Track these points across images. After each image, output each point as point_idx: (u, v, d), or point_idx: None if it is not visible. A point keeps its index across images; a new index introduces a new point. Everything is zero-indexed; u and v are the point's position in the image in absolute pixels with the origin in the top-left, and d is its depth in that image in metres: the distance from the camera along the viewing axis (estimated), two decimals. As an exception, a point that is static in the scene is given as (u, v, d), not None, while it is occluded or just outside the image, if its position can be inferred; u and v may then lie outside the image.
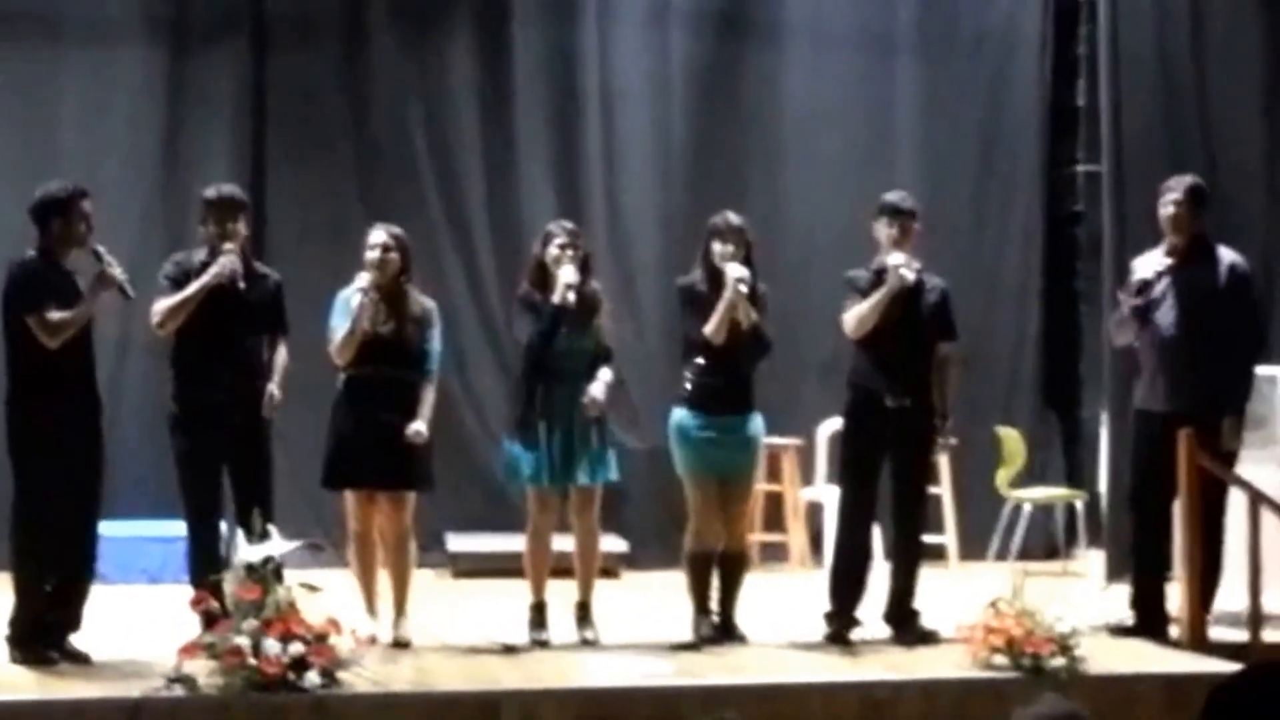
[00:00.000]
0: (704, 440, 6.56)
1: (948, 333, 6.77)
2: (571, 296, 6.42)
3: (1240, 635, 6.60)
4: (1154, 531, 6.78)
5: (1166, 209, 6.75)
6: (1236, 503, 6.67)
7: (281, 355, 6.44)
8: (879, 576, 6.86)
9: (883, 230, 6.67)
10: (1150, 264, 6.82)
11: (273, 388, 6.32)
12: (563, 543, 6.66)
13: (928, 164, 9.62)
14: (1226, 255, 6.83)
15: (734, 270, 6.44)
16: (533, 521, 6.60)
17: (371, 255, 6.50)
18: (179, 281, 6.27)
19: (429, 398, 6.56)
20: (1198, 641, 6.50)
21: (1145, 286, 6.76)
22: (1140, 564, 6.84)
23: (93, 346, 6.14)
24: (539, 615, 6.59)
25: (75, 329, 5.94)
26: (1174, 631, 6.65)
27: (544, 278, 6.53)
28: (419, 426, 6.44)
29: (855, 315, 6.57)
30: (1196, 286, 6.72)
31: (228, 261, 6.20)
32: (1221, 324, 6.68)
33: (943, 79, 9.72)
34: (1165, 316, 6.73)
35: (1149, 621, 6.72)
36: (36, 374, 5.94)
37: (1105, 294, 8.38)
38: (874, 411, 6.60)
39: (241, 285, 6.23)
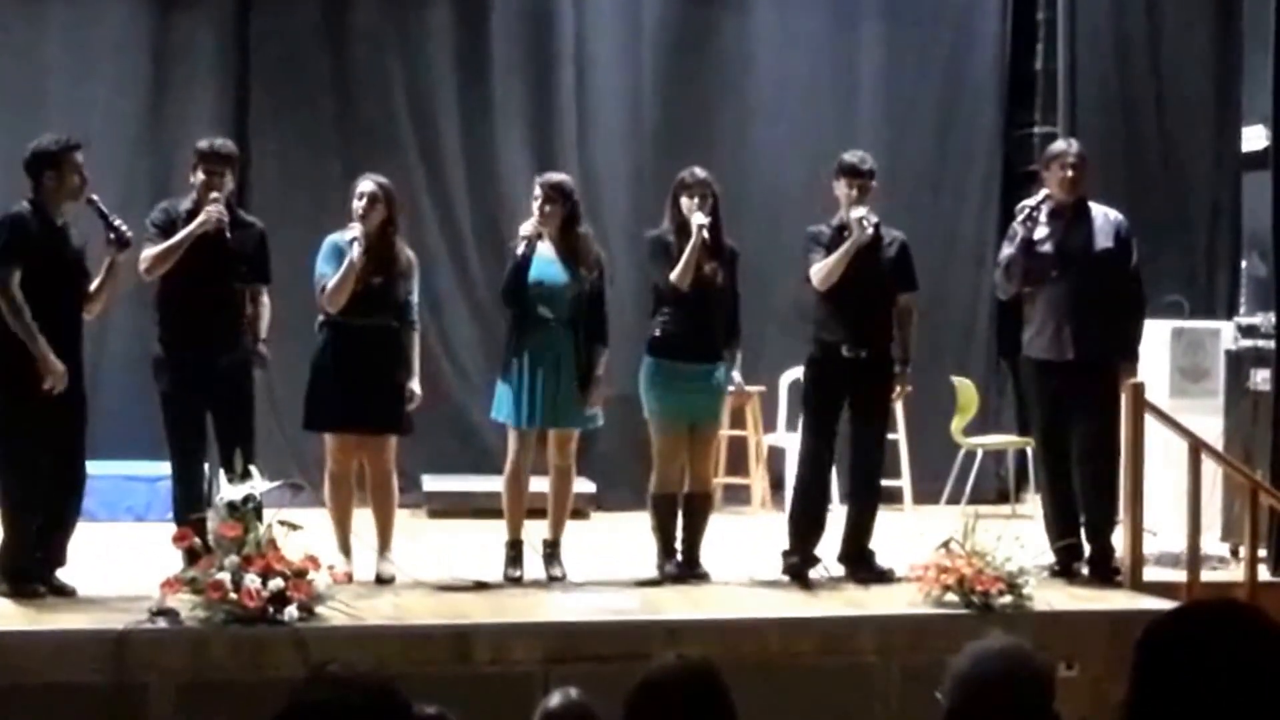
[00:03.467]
0: (673, 387, 6.60)
1: (908, 283, 6.82)
2: (522, 248, 6.48)
3: (1179, 575, 6.66)
4: (1067, 476, 6.80)
5: (1066, 173, 6.74)
6: (1178, 449, 6.73)
7: (265, 305, 6.43)
8: (836, 518, 6.90)
9: (842, 189, 6.70)
10: (1026, 209, 6.81)
11: (262, 348, 6.35)
12: (535, 483, 6.68)
13: (891, 125, 9.61)
14: (1109, 213, 6.88)
15: (698, 218, 6.50)
16: (512, 461, 6.62)
17: (357, 205, 6.49)
18: (166, 229, 6.26)
19: (416, 349, 6.61)
20: (1137, 581, 6.58)
21: (1030, 216, 6.74)
22: (1061, 508, 6.83)
23: (79, 295, 6.11)
24: (515, 552, 6.61)
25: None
26: (1085, 571, 6.72)
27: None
28: (414, 387, 6.52)
29: (823, 268, 6.60)
30: (1090, 242, 6.76)
31: (214, 211, 6.18)
32: (1116, 276, 6.75)
33: (906, 43, 9.70)
34: (1066, 271, 6.73)
35: (1072, 563, 6.74)
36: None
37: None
38: (833, 361, 6.64)
39: (228, 235, 6.22)
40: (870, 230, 6.58)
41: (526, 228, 6.54)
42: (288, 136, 8.93)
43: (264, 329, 6.40)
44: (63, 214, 6.05)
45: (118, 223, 6.07)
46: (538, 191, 6.63)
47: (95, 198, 6.07)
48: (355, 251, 6.36)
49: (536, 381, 6.48)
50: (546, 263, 6.55)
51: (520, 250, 6.50)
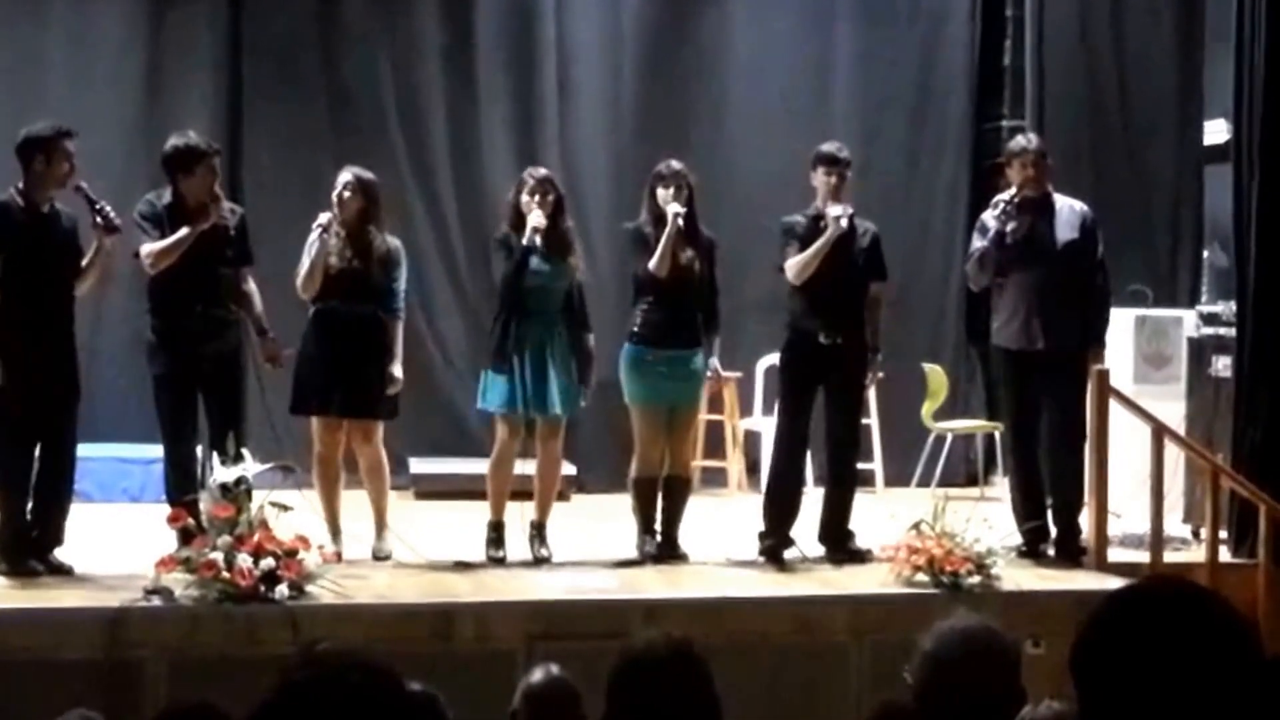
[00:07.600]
0: (653, 373, 6.61)
1: (879, 273, 6.83)
2: (538, 239, 6.45)
3: (1143, 556, 6.69)
4: (1035, 461, 6.83)
5: (1028, 170, 6.77)
6: (1142, 434, 6.75)
7: (254, 290, 6.43)
8: (812, 500, 6.91)
9: (820, 179, 6.71)
10: (1001, 203, 6.81)
11: (288, 350, 6.40)
12: (520, 466, 6.67)
13: (863, 118, 9.60)
14: (1075, 204, 6.90)
15: (673, 208, 6.51)
16: (498, 446, 6.61)
17: (335, 194, 6.52)
18: (154, 221, 6.25)
19: (399, 338, 6.60)
20: (1102, 562, 6.60)
21: (1005, 210, 6.74)
22: (1028, 491, 6.86)
23: (70, 280, 6.09)
24: (497, 534, 6.61)
25: None
26: (1051, 551, 6.74)
27: (520, 220, 6.54)
28: (395, 372, 6.51)
29: (798, 264, 6.60)
30: (1057, 234, 6.77)
31: (210, 220, 6.21)
32: (1082, 267, 6.77)
33: (879, 38, 9.69)
34: (1034, 263, 6.75)
35: (1038, 544, 6.76)
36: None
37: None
38: (809, 348, 6.65)
39: (232, 233, 6.30)
40: (845, 225, 6.59)
41: (538, 219, 6.45)
42: (280, 127, 8.90)
43: (257, 309, 6.41)
44: (48, 200, 6.03)
45: (106, 209, 6.06)
46: (533, 184, 6.58)
47: (83, 184, 6.06)
48: (315, 235, 6.39)
49: (532, 372, 6.47)
50: (538, 256, 6.53)
51: (525, 242, 6.42)
